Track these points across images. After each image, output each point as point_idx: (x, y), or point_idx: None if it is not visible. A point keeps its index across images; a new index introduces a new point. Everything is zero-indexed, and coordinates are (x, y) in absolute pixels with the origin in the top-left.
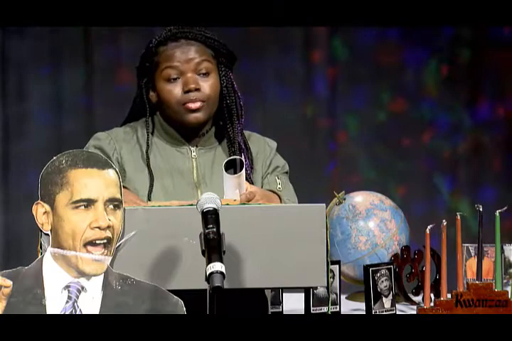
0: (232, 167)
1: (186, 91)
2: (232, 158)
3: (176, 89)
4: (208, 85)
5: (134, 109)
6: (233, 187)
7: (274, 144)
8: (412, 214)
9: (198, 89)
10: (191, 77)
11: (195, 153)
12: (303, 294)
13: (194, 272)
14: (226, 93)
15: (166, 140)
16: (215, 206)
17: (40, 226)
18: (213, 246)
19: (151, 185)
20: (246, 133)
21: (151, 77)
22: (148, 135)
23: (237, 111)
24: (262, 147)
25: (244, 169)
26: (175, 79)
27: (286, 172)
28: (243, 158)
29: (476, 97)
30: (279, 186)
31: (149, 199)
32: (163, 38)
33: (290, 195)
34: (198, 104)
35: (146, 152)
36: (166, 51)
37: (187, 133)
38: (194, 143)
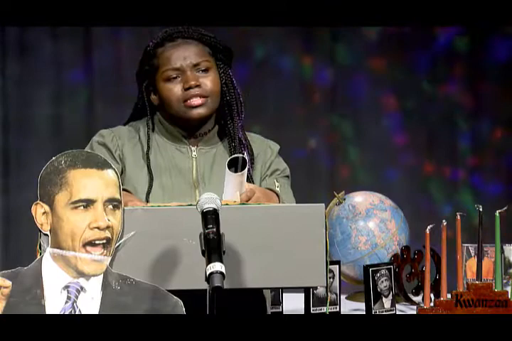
0: (234, 165)
1: (187, 88)
2: (235, 156)
3: (176, 87)
4: (208, 80)
5: (135, 112)
6: (234, 186)
7: (276, 147)
8: (412, 214)
9: (198, 86)
10: (191, 74)
11: (195, 153)
12: (303, 294)
13: (194, 272)
14: (226, 89)
15: (167, 139)
16: (214, 206)
17: (39, 226)
18: (213, 247)
19: (150, 185)
20: (249, 134)
21: (152, 79)
22: (148, 134)
23: (237, 107)
24: (264, 148)
25: (246, 168)
26: (175, 78)
27: (287, 177)
28: (246, 157)
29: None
30: (278, 189)
31: (148, 197)
32: (159, 40)
33: (288, 200)
34: (199, 101)
35: (147, 152)
36: (164, 53)
37: (188, 133)
38: (195, 143)
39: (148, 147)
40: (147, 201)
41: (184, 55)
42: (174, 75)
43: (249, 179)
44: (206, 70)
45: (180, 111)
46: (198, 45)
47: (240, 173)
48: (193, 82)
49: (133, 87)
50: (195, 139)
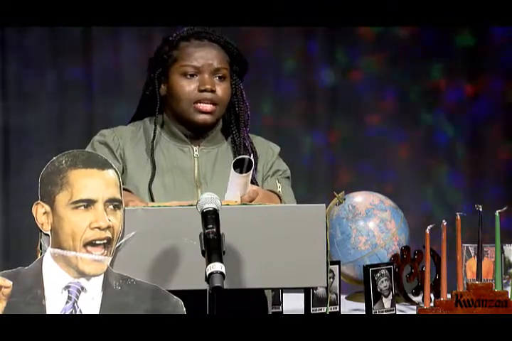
0: (239, 166)
1: (201, 90)
2: (241, 157)
3: (191, 86)
4: (222, 89)
5: (142, 103)
6: (238, 187)
7: (277, 148)
8: (412, 214)
9: (213, 91)
10: (209, 78)
11: (197, 152)
12: (303, 294)
13: (194, 272)
14: (235, 101)
15: (169, 138)
16: (215, 206)
17: (40, 226)
18: (213, 247)
19: (152, 179)
20: (250, 136)
21: (166, 69)
22: (155, 126)
23: (244, 119)
24: (265, 150)
25: (252, 169)
26: (192, 75)
27: (288, 178)
28: (252, 158)
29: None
30: (279, 190)
31: (150, 191)
32: (186, 34)
33: (290, 201)
34: (209, 107)
35: (152, 140)
36: (187, 48)
37: (191, 133)
38: (197, 143)
39: (154, 135)
40: (150, 195)
41: (207, 56)
42: (192, 72)
43: (253, 181)
44: (223, 78)
45: (187, 111)
46: (220, 51)
47: (245, 174)
48: (209, 86)
49: (133, 87)
50: (198, 139)
